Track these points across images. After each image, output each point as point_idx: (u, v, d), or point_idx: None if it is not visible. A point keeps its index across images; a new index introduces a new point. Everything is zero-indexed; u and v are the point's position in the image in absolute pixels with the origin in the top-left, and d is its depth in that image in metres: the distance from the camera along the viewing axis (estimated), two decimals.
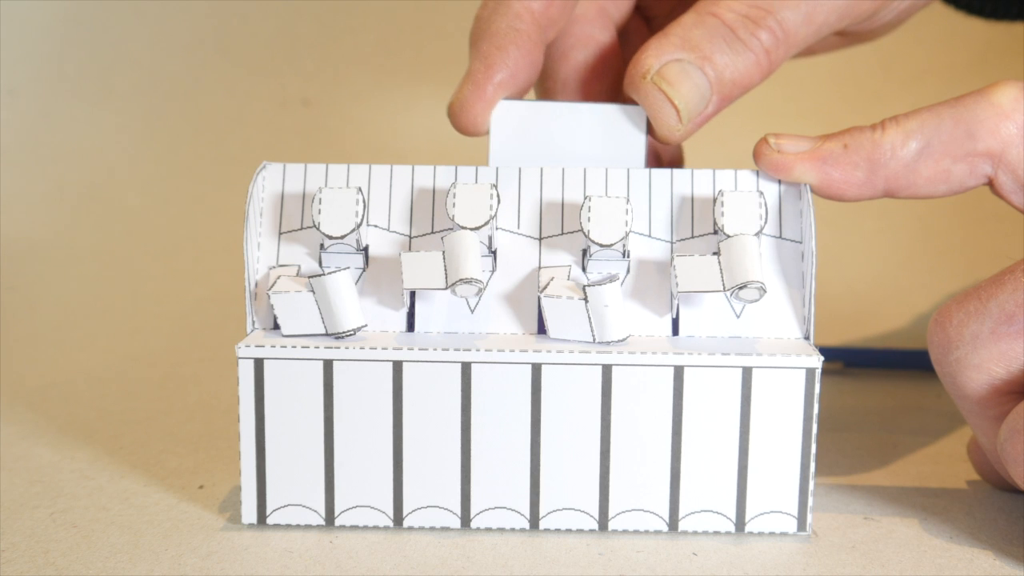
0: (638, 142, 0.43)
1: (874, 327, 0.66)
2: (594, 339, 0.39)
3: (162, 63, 0.89)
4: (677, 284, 0.39)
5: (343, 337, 0.39)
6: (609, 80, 0.47)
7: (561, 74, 0.47)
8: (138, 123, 0.88)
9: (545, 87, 0.48)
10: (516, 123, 0.43)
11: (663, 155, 0.51)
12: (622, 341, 0.38)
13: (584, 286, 0.38)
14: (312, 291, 0.38)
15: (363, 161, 0.43)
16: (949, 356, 0.38)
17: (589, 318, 0.39)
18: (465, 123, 0.43)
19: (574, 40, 0.47)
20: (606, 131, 0.43)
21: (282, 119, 0.88)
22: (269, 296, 0.39)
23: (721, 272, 0.38)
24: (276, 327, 0.40)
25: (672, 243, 0.41)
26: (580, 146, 0.43)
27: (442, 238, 0.40)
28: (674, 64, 0.42)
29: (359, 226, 0.39)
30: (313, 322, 0.39)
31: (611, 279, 0.39)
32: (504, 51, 0.43)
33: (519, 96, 0.44)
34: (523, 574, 0.36)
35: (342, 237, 0.39)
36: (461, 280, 0.38)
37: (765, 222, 0.39)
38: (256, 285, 0.41)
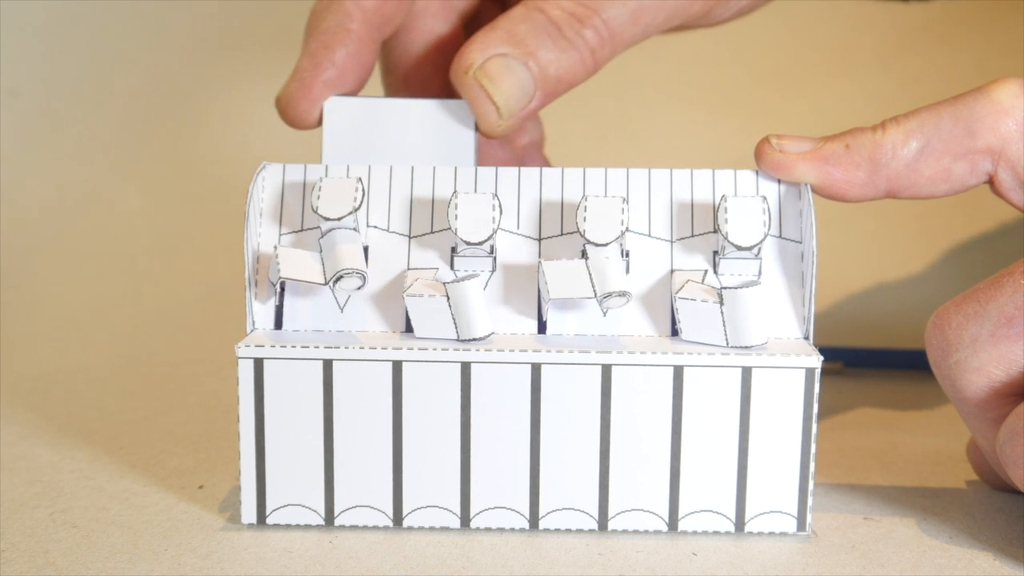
0: (467, 138, 0.44)
1: (874, 327, 0.66)
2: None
3: (162, 63, 0.89)
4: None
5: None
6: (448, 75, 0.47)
7: (402, 70, 0.48)
8: (138, 123, 0.88)
9: (388, 83, 0.49)
10: (348, 119, 0.44)
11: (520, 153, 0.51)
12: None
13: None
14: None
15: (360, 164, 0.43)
16: (948, 359, 0.38)
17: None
18: (292, 118, 0.44)
19: (414, 35, 0.47)
20: (436, 127, 0.44)
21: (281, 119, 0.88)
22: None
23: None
24: (279, 326, 0.40)
25: (671, 243, 0.41)
26: (410, 142, 0.44)
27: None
28: (498, 59, 0.42)
29: (356, 209, 0.39)
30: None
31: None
32: (331, 50, 0.43)
33: (351, 93, 0.44)
34: (523, 574, 0.36)
35: (339, 219, 0.39)
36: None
37: (769, 229, 0.39)
38: (256, 285, 0.40)
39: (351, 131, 0.44)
